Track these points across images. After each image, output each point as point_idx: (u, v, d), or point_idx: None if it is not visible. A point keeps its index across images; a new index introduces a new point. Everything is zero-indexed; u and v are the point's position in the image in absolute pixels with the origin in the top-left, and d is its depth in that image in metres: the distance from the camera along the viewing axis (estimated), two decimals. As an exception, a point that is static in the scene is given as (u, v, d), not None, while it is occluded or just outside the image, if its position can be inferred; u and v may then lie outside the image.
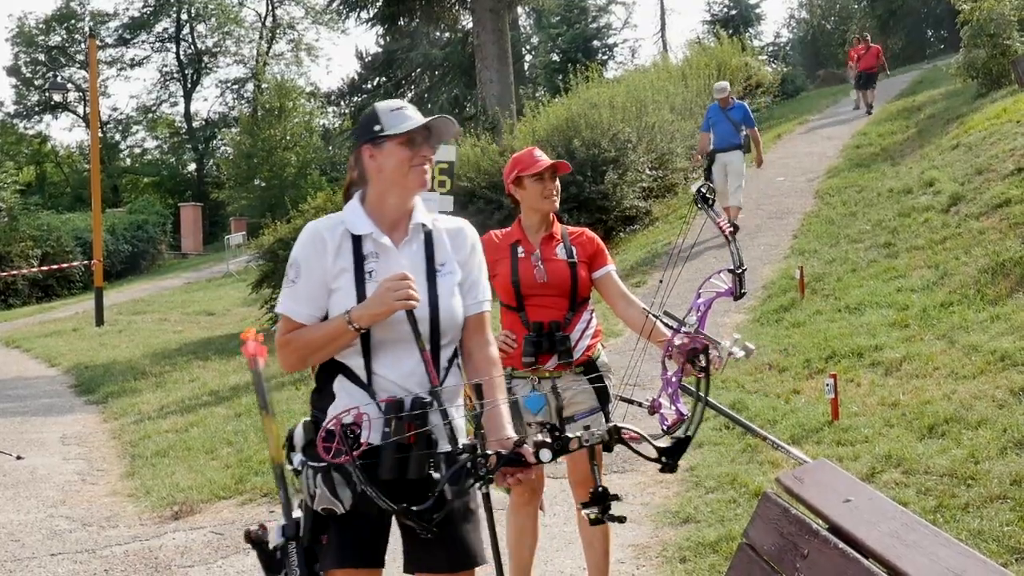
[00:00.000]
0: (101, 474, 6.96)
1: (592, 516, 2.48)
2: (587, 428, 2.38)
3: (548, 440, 2.30)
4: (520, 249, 3.65)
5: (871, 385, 5.85)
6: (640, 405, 3.43)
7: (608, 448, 3.59)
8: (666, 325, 3.36)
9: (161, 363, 11.24)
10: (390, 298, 2.38)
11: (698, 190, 3.46)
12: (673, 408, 3.32)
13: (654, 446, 2.57)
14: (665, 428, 3.38)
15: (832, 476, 2.14)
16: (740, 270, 3.32)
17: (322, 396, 2.51)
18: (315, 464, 2.36)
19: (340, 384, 2.48)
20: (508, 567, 3.53)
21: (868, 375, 6.04)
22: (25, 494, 6.41)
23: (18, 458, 7.28)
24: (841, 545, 1.83)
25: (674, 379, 3.35)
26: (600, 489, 2.44)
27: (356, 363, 2.47)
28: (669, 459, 2.52)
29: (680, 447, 2.60)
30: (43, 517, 5.87)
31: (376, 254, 2.49)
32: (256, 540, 2.44)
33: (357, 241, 2.50)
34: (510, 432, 2.48)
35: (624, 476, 5.35)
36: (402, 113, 2.51)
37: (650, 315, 3.45)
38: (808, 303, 8.06)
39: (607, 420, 3.54)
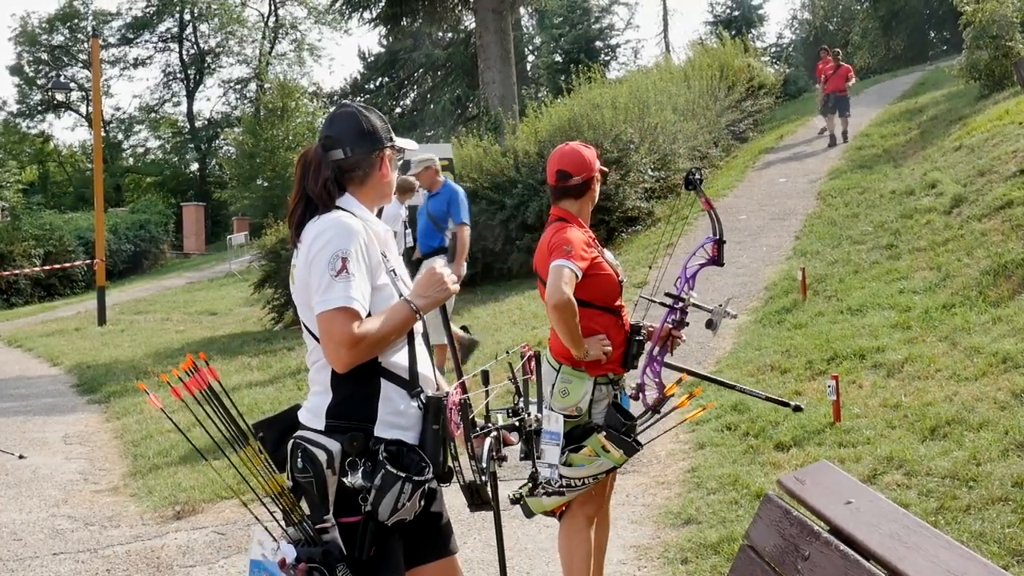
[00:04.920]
0: (103, 474, 6.97)
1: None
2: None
3: (516, 423, 2.59)
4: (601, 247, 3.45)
5: (873, 387, 5.85)
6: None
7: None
8: (663, 304, 3.46)
9: (163, 363, 11.22)
10: (447, 285, 2.45)
11: (689, 172, 3.50)
12: (655, 383, 3.42)
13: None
14: (648, 407, 3.47)
15: (833, 478, 2.14)
16: (723, 240, 3.44)
17: (356, 405, 2.37)
18: (418, 477, 2.30)
19: (387, 388, 2.39)
20: None
21: (870, 377, 6.04)
22: (27, 493, 6.42)
23: (20, 457, 7.28)
24: (842, 547, 1.84)
25: (659, 357, 3.44)
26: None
27: (398, 362, 2.43)
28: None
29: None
30: (45, 516, 5.88)
31: (385, 253, 2.50)
32: None
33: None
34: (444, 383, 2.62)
35: (626, 477, 5.35)
36: None
37: (642, 298, 3.52)
38: (810, 304, 8.06)
39: None
